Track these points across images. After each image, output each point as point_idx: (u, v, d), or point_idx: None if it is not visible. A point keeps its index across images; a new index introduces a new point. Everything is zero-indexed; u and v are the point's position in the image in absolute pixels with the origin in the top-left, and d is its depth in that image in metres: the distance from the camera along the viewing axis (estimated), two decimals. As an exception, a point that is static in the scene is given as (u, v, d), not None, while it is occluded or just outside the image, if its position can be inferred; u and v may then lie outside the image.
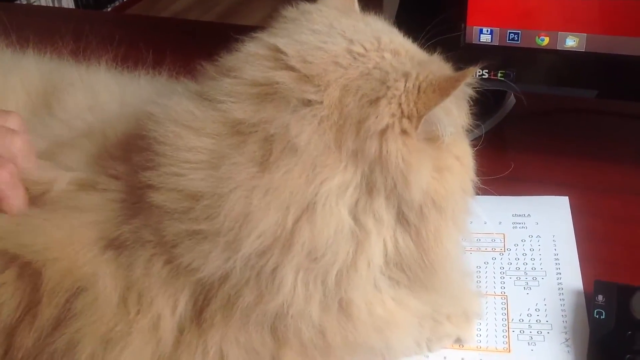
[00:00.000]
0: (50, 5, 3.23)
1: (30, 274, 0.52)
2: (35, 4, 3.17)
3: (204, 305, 0.52)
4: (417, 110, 0.50)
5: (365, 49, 0.53)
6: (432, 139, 0.53)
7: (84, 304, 0.51)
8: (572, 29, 0.79)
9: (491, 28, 0.82)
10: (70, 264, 0.52)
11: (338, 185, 0.50)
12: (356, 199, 0.51)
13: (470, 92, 0.54)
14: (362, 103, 0.51)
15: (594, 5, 0.78)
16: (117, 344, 0.51)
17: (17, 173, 0.55)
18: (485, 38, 0.83)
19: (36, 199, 0.56)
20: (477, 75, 0.83)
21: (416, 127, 0.50)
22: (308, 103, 0.51)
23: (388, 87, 0.51)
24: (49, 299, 0.51)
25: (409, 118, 0.50)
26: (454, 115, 0.53)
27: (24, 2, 3.08)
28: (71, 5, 3.30)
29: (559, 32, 0.80)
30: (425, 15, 0.84)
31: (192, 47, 0.97)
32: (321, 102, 0.51)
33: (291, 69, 0.52)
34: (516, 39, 0.82)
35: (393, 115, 0.50)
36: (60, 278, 0.52)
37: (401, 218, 0.53)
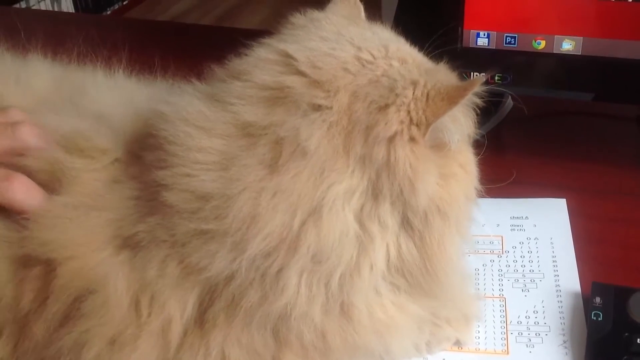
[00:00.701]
0: (50, 9, 3.23)
1: (49, 270, 0.53)
2: (34, 7, 3.17)
3: (208, 306, 0.53)
4: (425, 118, 0.51)
5: (373, 56, 0.54)
6: (438, 146, 0.54)
7: (93, 306, 0.52)
8: (568, 32, 0.80)
9: (488, 32, 0.83)
10: (82, 263, 0.52)
11: (345, 190, 0.51)
12: (362, 204, 0.52)
13: (476, 100, 0.55)
14: (371, 109, 0.51)
15: (590, 9, 0.78)
16: (125, 346, 0.52)
17: (29, 181, 0.55)
18: (482, 42, 0.83)
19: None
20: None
21: (424, 135, 0.51)
22: (318, 108, 0.52)
23: (397, 95, 0.51)
24: (58, 295, 0.52)
25: (418, 125, 0.51)
26: (461, 124, 0.54)
27: (23, 6, 3.09)
28: (71, 9, 3.30)
29: (556, 36, 0.80)
30: (423, 19, 0.84)
31: (192, 51, 0.97)
32: (331, 108, 0.52)
33: (301, 74, 0.53)
34: (513, 42, 0.82)
35: (402, 122, 0.51)
36: (71, 276, 0.52)
37: (405, 224, 0.54)
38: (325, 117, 0.51)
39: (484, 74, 0.54)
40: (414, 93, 0.51)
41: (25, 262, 0.53)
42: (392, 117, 0.51)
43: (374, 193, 0.52)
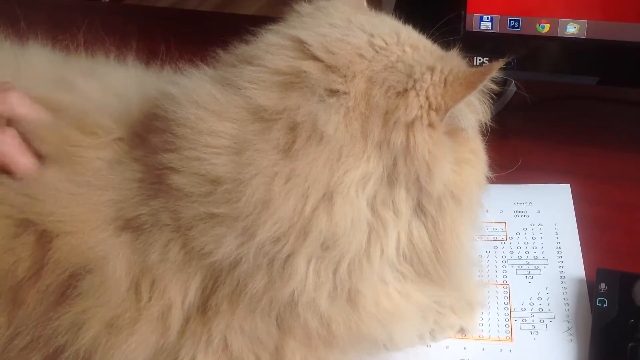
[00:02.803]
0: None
1: (45, 241, 0.53)
2: (33, -6, 3.15)
3: (211, 292, 0.53)
4: (444, 103, 0.51)
5: (386, 42, 0.54)
6: (451, 132, 0.54)
7: (91, 285, 0.52)
8: (573, 15, 0.79)
9: (491, 15, 0.82)
10: (80, 240, 0.52)
11: (361, 176, 0.51)
12: (376, 191, 0.52)
13: (492, 86, 0.54)
14: (390, 95, 0.51)
15: (594, -8, 0.78)
16: (123, 330, 0.52)
17: (18, 135, 0.56)
18: (485, 26, 0.83)
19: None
20: (479, 64, 0.83)
21: (442, 120, 0.51)
22: (335, 93, 0.51)
23: (415, 80, 0.51)
24: (52, 267, 0.52)
25: (436, 110, 0.51)
26: (476, 109, 0.54)
27: (23, -7, 3.06)
28: (70, -5, 3.28)
29: (560, 19, 0.79)
30: (425, 5, 0.83)
31: (195, 37, 0.97)
32: (348, 93, 0.51)
33: (317, 59, 0.53)
34: (517, 26, 0.81)
35: (421, 107, 0.51)
36: (67, 251, 0.52)
37: (418, 210, 0.54)
38: (343, 102, 0.51)
39: (502, 58, 0.54)
40: (431, 78, 0.51)
41: (24, 227, 0.53)
42: (412, 101, 0.51)
43: (390, 179, 0.52)
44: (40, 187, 0.54)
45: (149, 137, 0.54)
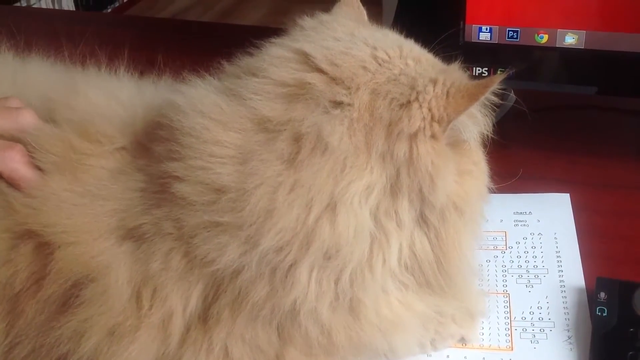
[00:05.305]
0: (51, 7, 3.23)
1: (46, 252, 0.53)
2: (35, 5, 3.17)
3: (213, 301, 0.53)
4: (447, 114, 0.52)
5: (388, 55, 0.55)
6: (454, 143, 0.55)
7: (93, 294, 0.52)
8: (571, 26, 0.80)
9: (490, 26, 0.83)
10: (83, 250, 0.53)
11: (365, 186, 0.52)
12: (379, 201, 0.52)
13: (493, 99, 0.55)
14: (393, 106, 0.52)
15: (592, 2, 0.78)
16: (124, 337, 0.52)
17: (26, 152, 0.56)
18: (484, 36, 0.83)
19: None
20: (477, 74, 0.83)
21: (444, 131, 0.52)
22: (339, 105, 0.52)
23: (418, 92, 0.52)
24: (54, 277, 0.52)
25: (439, 122, 0.52)
26: (478, 121, 0.55)
27: (24, 4, 3.08)
28: (71, 7, 3.30)
29: (558, 30, 0.80)
30: (425, 16, 0.84)
31: (195, 48, 0.97)
32: (352, 104, 0.52)
33: (321, 71, 0.53)
34: (515, 37, 0.82)
35: (424, 119, 0.51)
36: (69, 262, 0.52)
37: (420, 221, 0.54)
38: (347, 113, 0.52)
39: (503, 70, 0.55)
40: (434, 90, 0.52)
41: (22, 238, 0.53)
42: (415, 113, 0.51)
43: (393, 190, 0.52)
44: (44, 197, 0.54)
45: (152, 146, 0.55)
